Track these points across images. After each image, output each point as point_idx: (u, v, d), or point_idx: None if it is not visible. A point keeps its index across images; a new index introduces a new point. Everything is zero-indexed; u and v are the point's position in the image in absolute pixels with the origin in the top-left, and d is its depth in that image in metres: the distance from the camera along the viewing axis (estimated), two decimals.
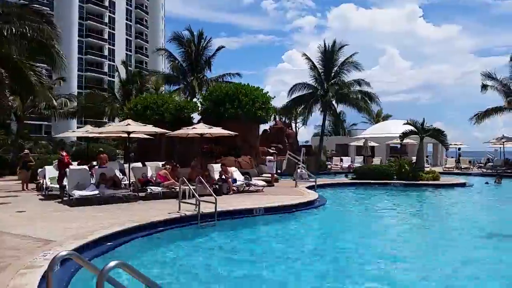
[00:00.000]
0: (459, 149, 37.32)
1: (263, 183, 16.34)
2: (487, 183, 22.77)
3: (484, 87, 31.64)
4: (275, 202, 12.61)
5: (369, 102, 33.02)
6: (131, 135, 15.56)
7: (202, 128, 16.45)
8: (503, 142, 33.52)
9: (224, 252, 8.14)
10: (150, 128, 15.07)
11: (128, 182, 14.14)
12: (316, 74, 32.38)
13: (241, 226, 10.38)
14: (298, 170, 19.75)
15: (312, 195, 14.48)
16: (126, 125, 14.07)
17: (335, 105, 34.38)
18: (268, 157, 19.31)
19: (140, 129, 15.07)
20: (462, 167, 32.33)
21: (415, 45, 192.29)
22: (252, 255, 7.92)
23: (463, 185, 20.83)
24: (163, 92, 33.41)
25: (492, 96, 31.52)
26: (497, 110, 31.87)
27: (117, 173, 14.51)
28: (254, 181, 16.36)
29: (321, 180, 19.50)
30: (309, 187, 17.09)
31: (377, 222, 12.09)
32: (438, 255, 8.01)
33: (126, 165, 15.55)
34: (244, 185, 15.70)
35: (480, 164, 34.67)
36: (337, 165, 31.91)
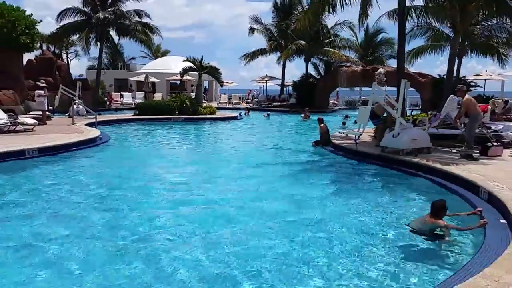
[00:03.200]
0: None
1: (34, 121, 14.27)
2: (265, 116, 26.06)
3: (252, 30, 35.18)
4: (51, 141, 11.29)
5: (150, 34, 32.17)
6: None
7: None
8: (266, 80, 38.88)
9: None
10: None
11: None
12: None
13: (11, 170, 8.94)
14: (75, 106, 18.03)
15: (93, 132, 13.58)
16: None
17: (113, 36, 32.07)
18: (37, 92, 16.78)
19: None
20: (234, 102, 36.02)
21: None
22: (28, 203, 6.91)
23: (235, 118, 23.35)
24: None
25: (257, 39, 35.56)
26: (262, 52, 36.18)
27: None
28: (22, 119, 14.10)
29: (101, 117, 18.44)
30: (89, 124, 15.96)
31: (163, 155, 12.40)
32: (222, 179, 8.90)
33: None
34: (8, 124, 13.34)
35: (248, 100, 39.31)
36: (117, 101, 30.61)
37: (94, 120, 16.75)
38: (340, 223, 5.88)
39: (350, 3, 13.87)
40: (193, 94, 27.37)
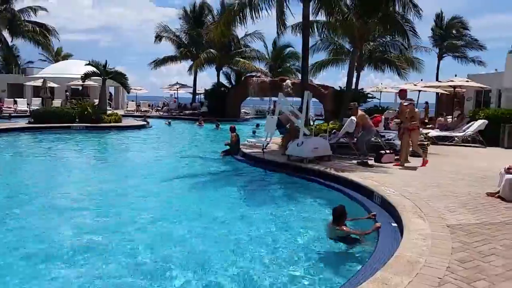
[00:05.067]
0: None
1: None
2: (166, 123, 25.55)
3: (159, 38, 34.31)
4: None
5: (48, 36, 29.70)
6: None
7: None
8: (177, 88, 38.15)
9: None
10: None
11: None
12: None
13: None
14: None
15: None
16: None
17: (6, 37, 29.02)
18: None
19: None
20: (143, 110, 34.71)
21: None
22: None
23: (143, 126, 22.46)
24: None
25: (167, 45, 34.88)
26: (172, 58, 35.51)
27: None
28: None
29: None
30: None
31: (61, 169, 11.35)
32: (122, 194, 8.38)
33: None
34: None
35: (158, 108, 38.17)
36: (10, 107, 27.67)
37: None
38: (248, 231, 5.88)
39: (260, 16, 14.21)
40: (96, 101, 25.76)
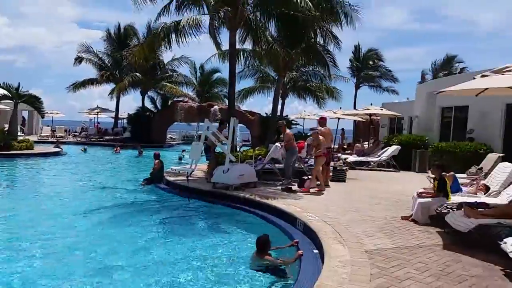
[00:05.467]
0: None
1: None
2: (82, 150, 24.08)
3: (79, 60, 32.70)
4: None
5: None
6: None
7: None
8: (97, 112, 36.32)
9: None
10: None
11: None
12: None
13: None
14: None
15: None
16: None
17: None
18: None
19: None
20: (58, 135, 32.40)
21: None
22: None
23: (57, 153, 20.90)
24: None
25: (88, 68, 33.21)
26: (92, 81, 33.90)
27: None
28: None
29: None
30: None
31: None
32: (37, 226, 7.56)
33: None
34: None
35: (76, 133, 35.91)
36: None
37: None
38: (170, 263, 5.55)
39: (187, 42, 14.08)
40: (7, 126, 23.59)
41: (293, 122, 24.56)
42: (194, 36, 13.72)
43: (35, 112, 31.97)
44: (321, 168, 10.33)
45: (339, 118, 21.27)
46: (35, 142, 22.51)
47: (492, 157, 10.61)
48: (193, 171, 10.66)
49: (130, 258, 5.86)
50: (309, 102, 29.49)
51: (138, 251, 6.19)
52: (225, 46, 14.87)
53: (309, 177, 10.67)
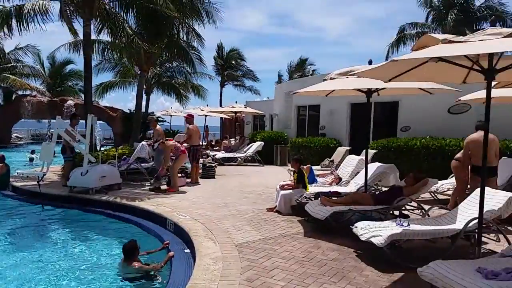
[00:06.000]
0: None
1: None
2: None
3: None
4: None
5: None
6: None
7: None
8: None
9: None
10: None
11: None
12: None
13: None
14: None
15: None
16: None
17: None
18: None
19: None
20: None
21: None
22: None
23: None
24: None
25: None
26: None
27: None
28: None
29: None
30: None
31: None
32: None
33: None
34: None
35: None
36: None
37: None
38: (30, 278, 4.85)
39: (30, 29, 12.53)
40: None
41: (160, 119, 23.91)
42: (40, 23, 12.36)
43: None
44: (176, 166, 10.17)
45: (206, 115, 21.51)
46: None
47: (341, 150, 11.97)
48: (44, 174, 9.52)
49: None
50: (174, 99, 29.19)
51: None
52: (80, 36, 13.70)
53: (179, 175, 10.49)
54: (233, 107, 21.12)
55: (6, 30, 12.82)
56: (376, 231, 4.79)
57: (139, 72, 17.58)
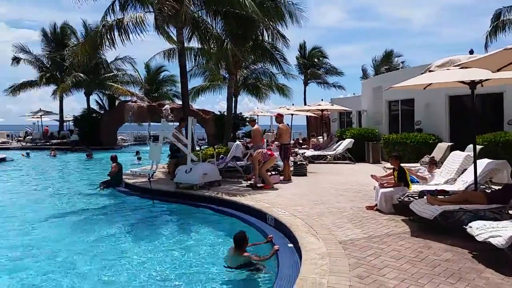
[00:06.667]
0: None
1: None
2: (24, 155, 22.72)
3: (16, 60, 30.89)
4: None
5: None
6: None
7: None
8: (41, 115, 34.38)
9: None
10: None
11: None
12: None
13: None
14: None
15: None
16: None
17: None
18: None
19: None
20: (0, 141, 30.36)
21: None
22: None
23: (2, 160, 19.62)
24: None
25: (25, 69, 31.57)
26: (32, 84, 32.06)
27: None
28: None
29: None
30: None
31: None
32: None
33: None
34: None
35: (19, 138, 33.88)
36: None
37: None
38: (139, 268, 5.40)
39: (130, 39, 13.67)
40: None
41: (247, 119, 24.65)
42: (138, 34, 13.43)
43: None
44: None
45: (292, 114, 21.68)
46: None
47: (442, 146, 11.30)
48: (154, 172, 10.43)
49: (99, 264, 5.63)
50: (258, 100, 29.87)
51: (107, 256, 5.96)
52: (171, 45, 14.65)
53: (272, 172, 10.77)
54: (319, 105, 20.99)
55: (108, 42, 14.07)
56: (494, 232, 4.51)
57: (227, 76, 18.30)
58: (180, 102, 29.64)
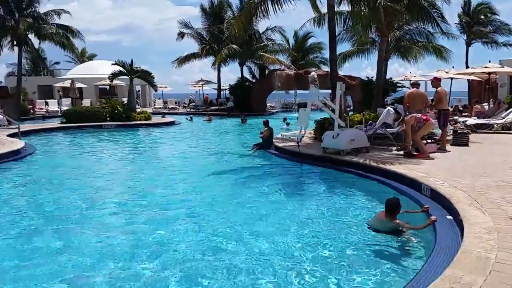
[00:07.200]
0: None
1: None
2: (188, 119, 25.75)
3: (181, 35, 34.49)
4: None
5: (71, 38, 30.11)
6: None
7: None
8: (202, 85, 38.36)
9: None
10: None
11: None
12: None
13: None
14: None
15: (17, 144, 12.33)
16: None
17: (33, 40, 29.63)
18: None
19: None
20: (170, 107, 35.02)
21: None
22: None
23: (172, 123, 22.62)
24: None
25: (189, 43, 35.20)
26: (194, 55, 35.61)
27: None
28: None
29: (24, 127, 16.94)
30: (11, 135, 14.52)
31: (98, 166, 11.49)
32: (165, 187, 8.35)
33: None
34: None
35: (185, 104, 38.51)
36: (41, 108, 28.37)
37: (17, 130, 15.22)
38: (296, 228, 5.72)
39: (282, 9, 13.97)
40: (125, 100, 26.07)
41: (398, 84, 23.16)
42: (290, 2, 13.59)
43: (146, 86, 34.80)
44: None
45: (452, 78, 19.57)
46: (151, 113, 24.52)
47: None
48: (303, 136, 10.79)
49: (253, 221, 6.15)
50: (410, 63, 27.61)
51: (263, 215, 6.45)
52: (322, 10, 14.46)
53: (428, 141, 10.05)
54: (485, 67, 18.39)
55: (262, 14, 14.57)
56: None
57: (378, 38, 17.35)
58: (326, 69, 29.58)
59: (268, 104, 35.18)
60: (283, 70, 30.47)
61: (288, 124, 19.46)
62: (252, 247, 5.04)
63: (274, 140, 12.85)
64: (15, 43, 27.16)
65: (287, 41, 36.89)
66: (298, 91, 36.54)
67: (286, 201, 7.19)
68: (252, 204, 6.95)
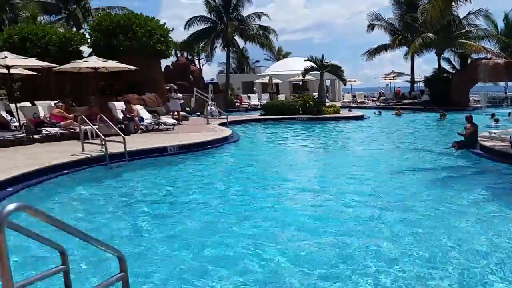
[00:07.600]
0: None
1: (173, 121, 15.66)
2: (376, 113, 25.02)
3: (371, 27, 33.62)
4: (189, 139, 12.17)
5: (269, 37, 32.97)
6: (12, 71, 13.36)
7: (95, 62, 14.93)
8: (393, 77, 36.73)
9: (141, 191, 7.61)
10: (33, 62, 13.27)
11: (18, 123, 12.50)
12: (214, 7, 30.85)
13: (155, 165, 9.88)
14: (208, 108, 19.35)
15: (226, 132, 14.30)
16: (3, 58, 11.96)
17: (238, 41, 33.74)
18: (173, 94, 18.25)
19: (20, 63, 13.11)
20: (358, 101, 34.78)
21: None
22: (170, 194, 7.52)
23: (361, 117, 22.43)
24: (42, 22, 29.21)
25: (377, 35, 34.07)
26: (386, 47, 34.35)
27: (3, 114, 12.59)
28: (164, 119, 15.56)
29: (231, 117, 19.48)
30: (221, 124, 16.93)
31: (293, 154, 12.41)
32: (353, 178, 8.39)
33: (12, 105, 13.47)
34: (153, 123, 14.82)
35: (374, 98, 37.68)
36: (245, 102, 32.04)
37: (225, 120, 17.69)
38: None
39: None
40: (315, 94, 27.10)
41: None
42: None
43: (336, 80, 35.40)
44: None
45: None
46: (340, 107, 24.84)
47: None
48: None
49: (455, 225, 5.62)
50: None
51: (465, 218, 5.85)
52: None
53: None
54: None
55: None
56: None
57: None
58: None
59: (471, 98, 31.15)
60: (490, 58, 26.53)
61: (497, 120, 16.87)
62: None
63: (479, 139, 11.36)
64: (224, 44, 31.47)
65: (495, 25, 31.81)
66: (510, 83, 31.16)
67: (496, 209, 6.24)
68: (463, 213, 6.15)
